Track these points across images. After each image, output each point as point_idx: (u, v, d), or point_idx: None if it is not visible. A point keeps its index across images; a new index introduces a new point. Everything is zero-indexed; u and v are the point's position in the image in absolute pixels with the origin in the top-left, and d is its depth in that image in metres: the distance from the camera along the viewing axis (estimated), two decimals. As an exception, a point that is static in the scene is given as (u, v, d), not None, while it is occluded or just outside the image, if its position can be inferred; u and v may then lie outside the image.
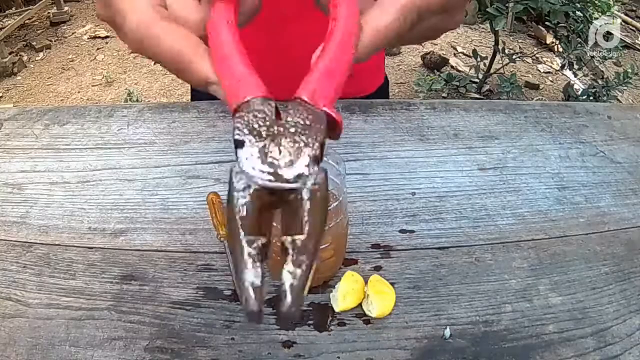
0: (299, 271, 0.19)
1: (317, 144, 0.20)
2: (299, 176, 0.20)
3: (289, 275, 0.19)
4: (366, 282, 0.47)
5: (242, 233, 0.19)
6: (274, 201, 0.20)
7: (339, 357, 0.43)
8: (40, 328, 0.45)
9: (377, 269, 0.51)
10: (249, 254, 0.19)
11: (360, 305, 0.46)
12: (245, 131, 0.20)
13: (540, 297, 0.48)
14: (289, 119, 0.21)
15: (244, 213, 0.19)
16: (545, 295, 0.49)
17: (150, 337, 0.44)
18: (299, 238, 0.19)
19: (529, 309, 0.47)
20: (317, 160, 0.20)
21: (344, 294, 0.45)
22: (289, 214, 0.20)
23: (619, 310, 0.47)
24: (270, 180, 0.19)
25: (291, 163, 0.20)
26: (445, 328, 0.45)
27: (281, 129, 0.21)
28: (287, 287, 0.18)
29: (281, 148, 0.20)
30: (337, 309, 0.46)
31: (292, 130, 0.21)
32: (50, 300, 0.47)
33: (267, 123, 0.20)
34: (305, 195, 0.19)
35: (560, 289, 0.49)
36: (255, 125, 0.20)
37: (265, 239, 0.19)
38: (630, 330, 0.46)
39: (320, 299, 0.48)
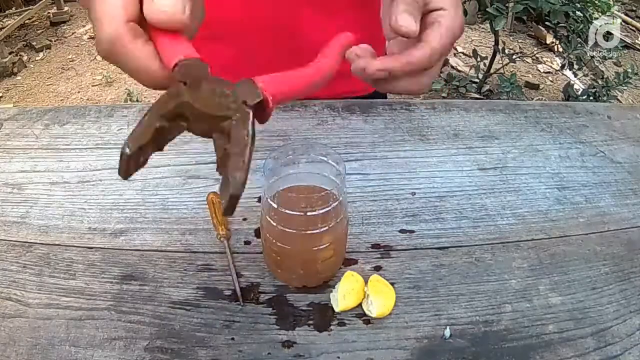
0: (238, 163, 0.26)
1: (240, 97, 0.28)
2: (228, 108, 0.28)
3: (232, 167, 0.25)
4: (366, 282, 0.47)
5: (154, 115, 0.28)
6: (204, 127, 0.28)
7: (339, 357, 0.43)
8: (40, 328, 0.45)
9: (377, 269, 0.51)
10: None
11: (360, 305, 0.46)
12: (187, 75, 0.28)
13: (540, 297, 0.49)
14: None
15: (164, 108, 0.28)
16: (545, 295, 0.49)
17: (150, 337, 0.44)
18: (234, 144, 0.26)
19: (529, 309, 0.47)
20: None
21: (344, 294, 0.45)
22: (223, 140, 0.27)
23: (619, 310, 0.47)
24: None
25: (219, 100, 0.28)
26: (445, 328, 0.45)
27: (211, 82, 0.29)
28: (230, 176, 0.25)
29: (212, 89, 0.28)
30: (337, 309, 0.46)
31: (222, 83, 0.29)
32: (50, 300, 0.47)
33: (203, 73, 0.29)
34: (234, 118, 0.27)
35: (560, 289, 0.49)
36: (195, 72, 0.29)
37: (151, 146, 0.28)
38: (630, 330, 0.46)
39: (320, 299, 0.48)
